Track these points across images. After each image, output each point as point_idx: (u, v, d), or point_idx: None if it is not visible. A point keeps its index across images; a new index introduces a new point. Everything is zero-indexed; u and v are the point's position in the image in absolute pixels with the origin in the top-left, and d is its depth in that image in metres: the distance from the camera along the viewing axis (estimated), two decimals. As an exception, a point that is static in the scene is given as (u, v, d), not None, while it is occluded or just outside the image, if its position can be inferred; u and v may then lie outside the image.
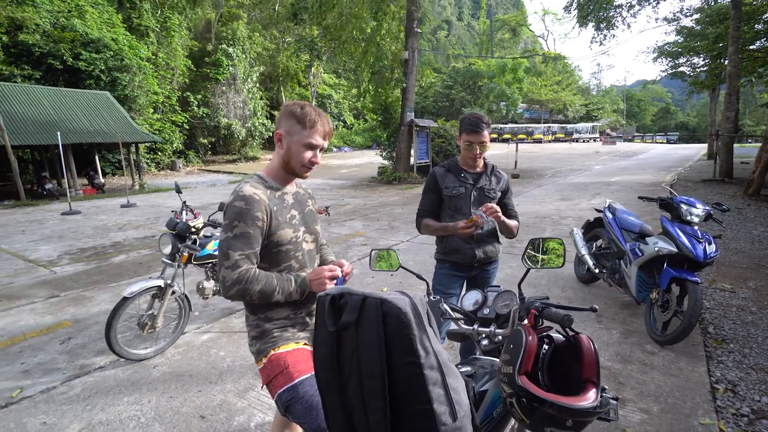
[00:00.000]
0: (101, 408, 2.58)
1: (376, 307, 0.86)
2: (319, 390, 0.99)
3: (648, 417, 2.39)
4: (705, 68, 20.92)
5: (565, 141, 45.97)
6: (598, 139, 46.06)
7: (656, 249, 3.31)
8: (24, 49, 17.19)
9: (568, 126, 49.08)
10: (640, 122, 66.55)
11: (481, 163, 2.36)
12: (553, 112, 54.78)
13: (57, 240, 7.50)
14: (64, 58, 17.60)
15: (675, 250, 3.21)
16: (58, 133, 11.58)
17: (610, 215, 4.12)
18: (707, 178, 13.42)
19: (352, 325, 0.88)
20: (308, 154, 1.50)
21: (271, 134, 29.82)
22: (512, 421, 1.27)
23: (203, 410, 2.54)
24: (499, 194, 2.37)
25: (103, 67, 18.56)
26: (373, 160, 19.01)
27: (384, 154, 16.81)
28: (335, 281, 1.51)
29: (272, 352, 1.49)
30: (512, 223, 2.32)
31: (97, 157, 17.02)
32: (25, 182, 13.69)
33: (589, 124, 48.95)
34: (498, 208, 2.11)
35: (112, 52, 18.80)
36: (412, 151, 15.36)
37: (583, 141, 45.67)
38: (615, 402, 1.07)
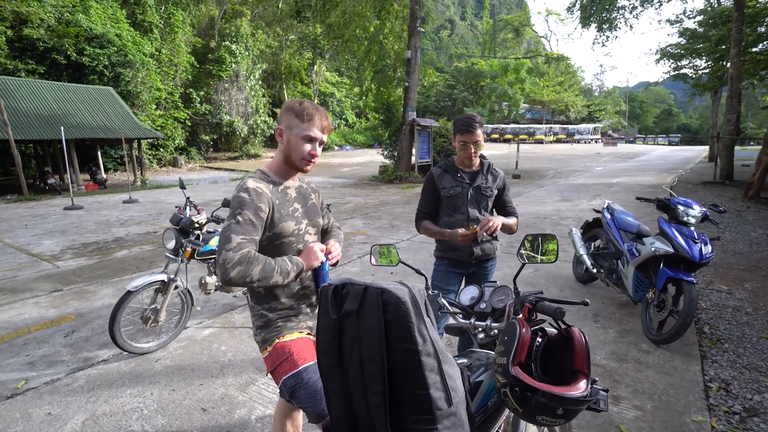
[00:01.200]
0: (105, 400, 2.63)
1: (377, 296, 0.91)
2: (320, 375, 1.04)
3: (642, 414, 2.43)
4: (707, 70, 20.94)
5: (567, 142, 45.98)
6: (600, 141, 46.07)
7: (653, 249, 3.34)
8: (28, 43, 17.27)
9: (570, 127, 49.07)
10: (642, 124, 66.58)
11: (477, 162, 2.38)
12: (555, 113, 54.76)
13: (60, 235, 7.55)
14: (68, 53, 17.68)
15: (671, 250, 3.25)
16: (62, 128, 11.64)
17: (608, 216, 4.15)
18: (708, 180, 13.44)
19: (354, 313, 0.93)
20: (307, 147, 1.55)
21: (273, 132, 29.89)
22: (506, 411, 1.31)
23: (205, 403, 2.59)
24: (495, 192, 2.41)
25: (106, 63, 18.64)
26: (374, 158, 19.06)
27: (385, 153, 16.85)
28: (325, 256, 1.58)
29: (277, 341, 1.54)
30: (510, 221, 2.36)
31: (99, 153, 17.09)
32: (27, 177, 13.75)
33: (591, 126, 48.90)
34: (496, 225, 2.14)
35: (115, 48, 18.89)
36: (414, 151, 15.40)
37: (585, 142, 45.66)
38: (605, 393, 1.11)
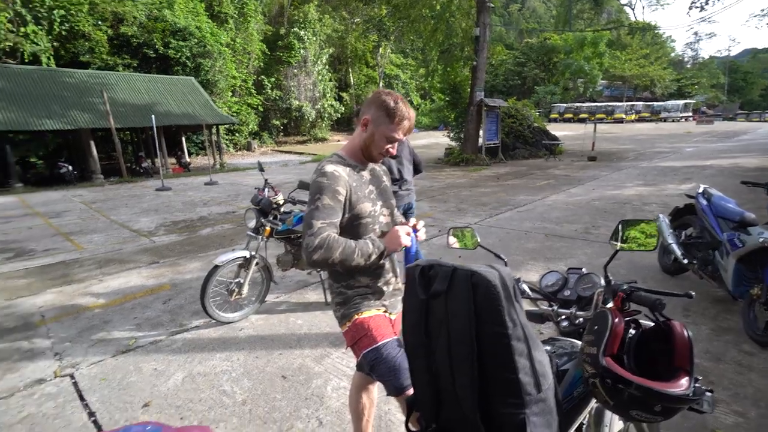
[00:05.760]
0: (199, 361, 2.92)
1: (466, 278, 0.91)
2: (406, 354, 1.07)
3: (744, 421, 2.22)
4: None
5: (651, 120, 41.91)
6: (691, 118, 41.43)
7: (761, 240, 2.99)
8: (124, 40, 19.06)
9: (656, 104, 44.54)
10: (745, 98, 58.52)
11: None
12: (638, 89, 50.00)
13: (153, 213, 8.38)
14: (156, 46, 19.27)
15: (785, 241, 2.88)
16: (153, 116, 12.77)
17: (704, 201, 3.76)
18: (828, 162, 11.63)
19: (443, 294, 0.94)
20: (388, 145, 1.59)
21: (339, 116, 30.49)
22: (591, 404, 1.27)
23: (285, 371, 2.78)
24: None
25: (188, 54, 20.05)
26: (439, 141, 18.77)
27: (451, 135, 16.52)
28: (409, 239, 1.59)
29: (356, 317, 1.60)
30: None
31: (183, 138, 18.56)
32: (125, 161, 15.33)
33: (681, 102, 44.00)
34: None
35: (196, 40, 20.23)
36: (481, 132, 14.93)
37: (673, 120, 41.34)
38: (710, 394, 1.04)
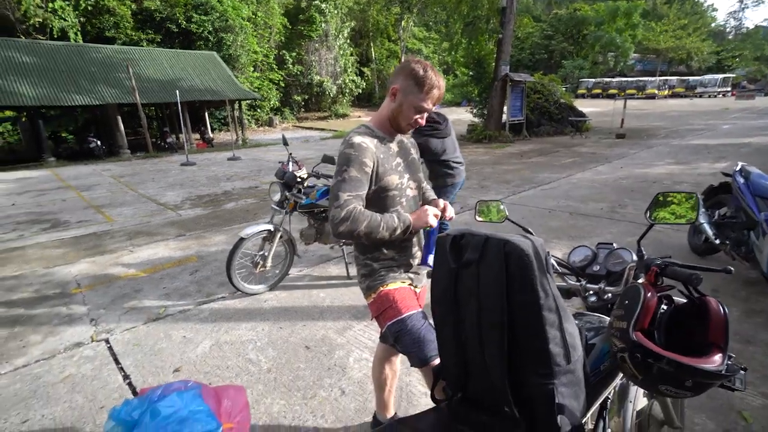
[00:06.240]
0: (225, 330, 3.03)
1: (499, 247, 0.90)
2: (434, 323, 1.08)
3: (770, 402, 2.18)
4: None
5: (686, 96, 39.88)
6: (730, 93, 39.23)
7: (801, 220, 2.85)
8: (148, 15, 19.16)
9: (691, 79, 42.22)
10: (791, 72, 54.89)
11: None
12: (673, 63, 47.52)
13: (179, 187, 8.57)
14: (179, 21, 19.31)
15: (827, 222, 2.75)
16: (177, 91, 12.89)
17: (741, 180, 3.60)
18: None
19: (474, 263, 0.93)
20: (417, 116, 1.55)
21: (360, 91, 30.13)
22: (618, 378, 1.26)
23: (308, 342, 2.85)
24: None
25: (210, 29, 20.04)
26: (461, 117, 18.39)
27: (475, 111, 16.15)
28: (436, 220, 1.59)
29: (381, 289, 1.61)
30: None
31: (206, 114, 18.75)
32: (150, 136, 15.63)
33: (720, 76, 41.55)
34: None
35: (217, 14, 20.15)
36: (505, 108, 14.54)
37: (710, 96, 39.25)
38: (743, 372, 1.01)
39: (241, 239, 3.40)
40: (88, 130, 15.96)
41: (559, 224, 5.21)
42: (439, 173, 3.66)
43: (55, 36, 16.34)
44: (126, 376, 2.53)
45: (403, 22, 31.76)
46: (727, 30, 63.75)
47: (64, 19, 16.31)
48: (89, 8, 17.24)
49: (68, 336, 3.03)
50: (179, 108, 13.14)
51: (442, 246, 1.02)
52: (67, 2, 16.42)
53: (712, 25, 57.50)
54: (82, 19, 17.35)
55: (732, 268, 1.15)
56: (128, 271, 4.23)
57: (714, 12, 79.06)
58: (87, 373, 2.58)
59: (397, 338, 1.57)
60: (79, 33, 17.19)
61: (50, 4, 15.92)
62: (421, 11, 27.16)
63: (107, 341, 2.93)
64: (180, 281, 3.92)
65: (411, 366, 1.59)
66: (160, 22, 19.35)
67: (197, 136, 17.96)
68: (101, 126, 16.47)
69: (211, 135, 18.12)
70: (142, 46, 18.54)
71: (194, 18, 19.58)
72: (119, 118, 14.41)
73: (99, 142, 14.14)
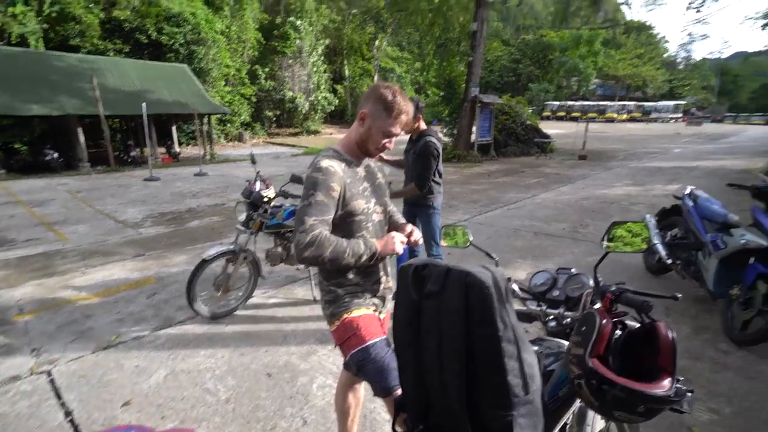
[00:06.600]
0: (182, 358, 2.89)
1: (460, 279, 0.91)
2: (395, 351, 1.07)
3: (719, 418, 2.27)
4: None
5: (642, 121, 42.25)
6: (681, 119, 41.82)
7: (743, 242, 3.03)
8: (116, 24, 18.66)
9: (647, 104, 44.89)
10: (734, 101, 59.17)
11: (417, 132, 3.33)
12: (630, 89, 50.32)
13: (141, 204, 8.26)
14: (149, 32, 18.90)
15: (766, 244, 2.93)
16: (144, 104, 12.54)
17: (690, 203, 3.81)
18: (813, 166, 11.82)
19: (436, 294, 0.94)
20: (385, 140, 1.58)
21: (332, 108, 30.22)
22: (576, 403, 1.28)
23: (270, 369, 2.76)
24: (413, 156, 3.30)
25: (182, 41, 19.70)
26: (432, 136, 18.77)
27: (444, 130, 16.48)
28: (403, 247, 1.60)
29: (345, 316, 1.58)
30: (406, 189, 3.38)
31: (174, 128, 18.28)
32: (113, 150, 15.04)
33: (672, 103, 44.37)
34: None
35: (190, 26, 19.86)
36: (474, 129, 14.92)
37: (663, 121, 41.69)
38: (690, 395, 1.05)
39: (203, 261, 3.29)
40: (44, 142, 15.19)
41: (524, 244, 5.33)
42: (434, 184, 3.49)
43: (13, 42, 15.65)
44: (68, 413, 2.35)
45: (377, 42, 32.30)
46: (678, 61, 68.36)
47: (24, 25, 15.65)
48: (53, 14, 16.62)
49: (3, 369, 2.79)
50: (145, 121, 12.76)
51: (405, 276, 1.02)
52: (29, 7, 15.79)
53: (665, 55, 61.57)
54: (45, 25, 16.70)
55: (679, 295, 1.20)
56: (79, 294, 4.00)
57: (666, 43, 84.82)
58: (22, 411, 2.38)
59: (360, 367, 1.54)
60: (41, 40, 16.53)
61: (10, 9, 15.27)
62: (395, 31, 27.78)
63: (49, 373, 2.73)
64: (136, 305, 3.74)
65: (374, 395, 1.56)
66: (130, 32, 18.86)
67: (163, 150, 17.45)
68: (60, 137, 15.71)
69: (178, 149, 17.64)
70: (108, 55, 18.00)
71: (165, 29, 19.21)
72: (80, 129, 13.83)
73: (56, 155, 13.47)
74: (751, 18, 47.05)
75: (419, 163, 3.24)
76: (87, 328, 3.32)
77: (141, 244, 5.58)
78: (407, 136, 3.50)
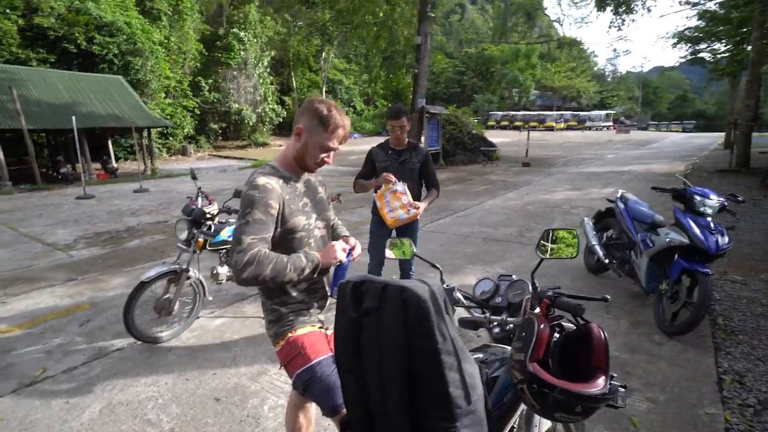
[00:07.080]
0: (120, 389, 2.68)
1: (397, 295, 0.90)
2: (338, 371, 1.05)
3: (654, 406, 2.42)
4: (726, 55, 20.30)
5: (578, 129, 45.16)
6: (612, 128, 45.20)
7: (667, 240, 3.29)
8: (39, 32, 17.31)
9: (582, 114, 48.13)
10: (655, 110, 64.94)
11: (404, 141, 3.17)
12: (566, 100, 53.78)
13: (73, 224, 7.66)
14: (78, 41, 17.69)
15: (687, 241, 3.20)
16: (73, 117, 11.71)
17: (621, 205, 4.09)
18: (723, 168, 13.15)
19: (374, 311, 0.92)
20: (323, 155, 1.55)
21: (281, 120, 29.77)
22: (522, 407, 1.31)
23: (218, 393, 2.62)
24: (418, 165, 3.20)
25: (116, 51, 18.62)
26: (383, 146, 18.99)
27: (394, 141, 16.72)
28: (345, 255, 1.57)
29: (289, 335, 1.54)
30: (429, 198, 3.25)
31: (110, 142, 17.20)
32: (40, 166, 13.88)
33: (603, 112, 47.90)
34: (393, 179, 2.98)
35: (125, 36, 18.84)
36: (423, 138, 15.25)
37: (596, 129, 44.83)
38: (623, 390, 1.10)
39: (143, 283, 3.09)
40: (-43, 160, 13.74)
41: (473, 250, 5.48)
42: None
43: None
44: (-15, 460, 2.11)
45: (324, 53, 32.32)
46: (606, 74, 74.09)
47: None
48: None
49: None
50: (75, 135, 11.90)
51: (343, 293, 1.01)
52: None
53: (595, 68, 66.45)
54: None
55: (608, 297, 1.28)
56: (-1, 326, 3.62)
57: (595, 57, 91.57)
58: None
59: (306, 387, 1.50)
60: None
61: None
62: (342, 44, 27.96)
63: (-39, 418, 2.44)
64: (66, 334, 3.43)
65: (323, 415, 1.52)
66: (55, 41, 17.56)
67: (99, 165, 16.34)
68: (-25, 155, 14.30)
69: (115, 165, 16.61)
70: (31, 65, 16.66)
71: (97, 39, 18.06)
72: (-1, 145, 12.65)
73: (-29, 174, 12.22)
74: (663, 37, 52.22)
75: (429, 169, 3.29)
76: (6, 365, 2.99)
77: (72, 268, 5.16)
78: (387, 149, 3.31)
